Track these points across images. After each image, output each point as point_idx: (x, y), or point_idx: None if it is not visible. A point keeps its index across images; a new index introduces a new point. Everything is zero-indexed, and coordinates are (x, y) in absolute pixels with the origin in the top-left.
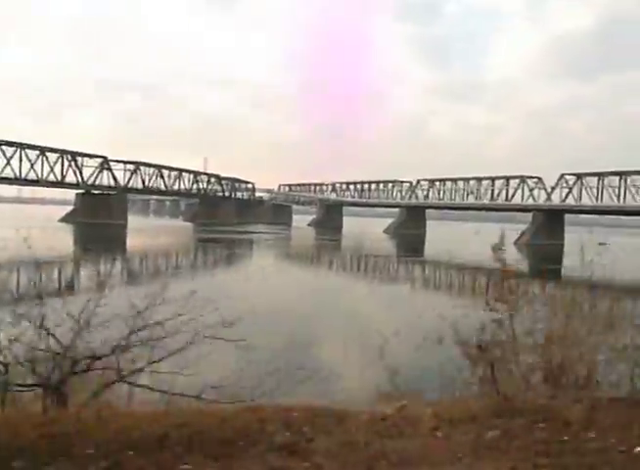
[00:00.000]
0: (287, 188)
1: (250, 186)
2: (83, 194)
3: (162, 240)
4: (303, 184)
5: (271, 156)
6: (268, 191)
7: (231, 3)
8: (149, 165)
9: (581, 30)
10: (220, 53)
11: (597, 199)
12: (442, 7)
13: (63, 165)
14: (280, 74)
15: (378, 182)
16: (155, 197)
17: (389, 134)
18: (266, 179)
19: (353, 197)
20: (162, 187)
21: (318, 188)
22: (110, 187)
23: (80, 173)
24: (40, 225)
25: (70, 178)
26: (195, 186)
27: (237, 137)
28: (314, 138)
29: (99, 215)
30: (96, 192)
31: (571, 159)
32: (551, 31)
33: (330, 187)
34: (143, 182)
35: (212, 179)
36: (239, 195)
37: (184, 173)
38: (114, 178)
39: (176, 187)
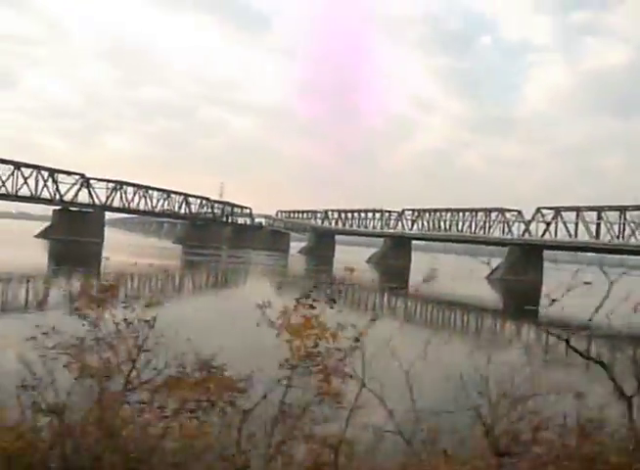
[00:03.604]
0: (284, 215)
1: (247, 211)
2: (60, 210)
3: (140, 260)
4: (299, 211)
5: (294, 182)
6: (266, 217)
7: (260, 32)
8: (131, 185)
9: (616, 67)
10: (248, 79)
11: (575, 234)
12: (474, 40)
13: (37, 181)
14: (308, 102)
15: (367, 211)
16: (165, 219)
17: (415, 165)
18: (289, 204)
19: (344, 225)
20: (147, 207)
21: (312, 215)
22: (87, 205)
23: (57, 190)
24: (17, 241)
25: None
26: (185, 208)
27: (261, 162)
28: (340, 167)
29: (75, 232)
30: (73, 209)
31: (605, 196)
32: (585, 68)
33: (322, 214)
34: (123, 201)
35: (203, 202)
36: (241, 220)
37: (173, 195)
38: (91, 196)
39: (165, 208)
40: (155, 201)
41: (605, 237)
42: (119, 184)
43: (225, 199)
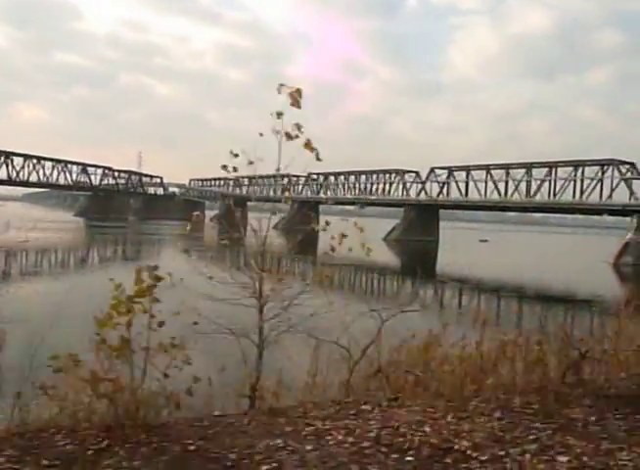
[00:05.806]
0: (198, 183)
1: (157, 180)
2: None
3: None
4: (212, 179)
5: (222, 151)
6: (179, 186)
7: None
8: (20, 156)
9: (539, 30)
10: (172, 45)
11: (466, 193)
12: (401, 4)
13: None
14: (235, 69)
15: (275, 176)
16: (68, 191)
17: (347, 132)
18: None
19: (255, 192)
20: (40, 180)
21: (225, 183)
22: None
23: None
24: None
25: None
26: (84, 179)
27: (187, 131)
28: (268, 134)
29: None
30: None
31: (530, 157)
32: (510, 31)
33: (232, 182)
34: (10, 174)
35: (106, 171)
36: (152, 190)
37: (69, 165)
38: None
39: (61, 180)
40: (48, 172)
41: (493, 195)
42: (4, 155)
43: (146, 170)
